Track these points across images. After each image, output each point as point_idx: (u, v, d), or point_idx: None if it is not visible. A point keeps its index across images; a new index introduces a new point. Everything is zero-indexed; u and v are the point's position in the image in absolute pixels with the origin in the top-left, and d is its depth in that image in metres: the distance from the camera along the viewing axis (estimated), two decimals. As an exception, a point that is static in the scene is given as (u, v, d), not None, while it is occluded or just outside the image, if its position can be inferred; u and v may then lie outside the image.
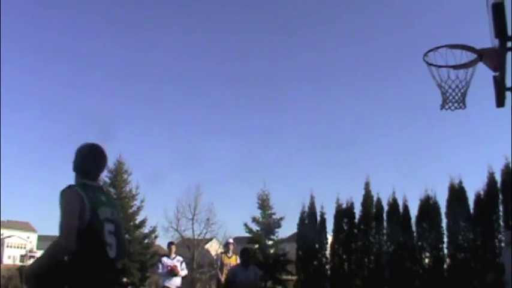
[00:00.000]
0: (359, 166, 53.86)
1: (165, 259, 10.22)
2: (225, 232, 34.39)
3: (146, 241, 24.79)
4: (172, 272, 9.96)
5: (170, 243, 10.90)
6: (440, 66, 4.52)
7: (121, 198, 24.07)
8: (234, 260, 10.05)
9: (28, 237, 75.15)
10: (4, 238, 69.35)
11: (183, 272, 10.33)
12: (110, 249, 3.06)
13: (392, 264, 18.67)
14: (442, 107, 4.53)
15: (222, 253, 10.78)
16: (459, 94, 4.51)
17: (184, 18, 73.07)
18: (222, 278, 9.79)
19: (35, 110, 71.06)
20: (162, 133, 64.65)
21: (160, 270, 10.12)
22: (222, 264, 10.12)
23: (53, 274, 2.82)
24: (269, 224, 24.02)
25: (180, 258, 10.43)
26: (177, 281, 10.08)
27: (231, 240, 10.98)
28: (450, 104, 4.53)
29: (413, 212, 19.31)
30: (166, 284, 9.98)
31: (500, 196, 17.65)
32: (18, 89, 71.72)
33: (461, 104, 4.51)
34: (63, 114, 66.93)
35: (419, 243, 18.83)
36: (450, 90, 4.50)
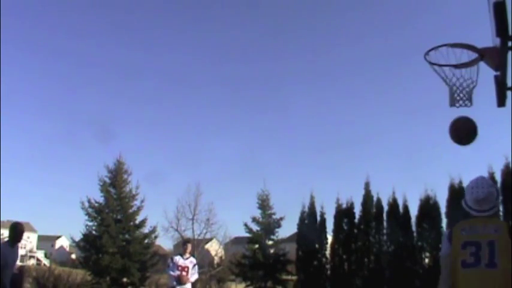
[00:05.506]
0: (359, 166, 53.90)
1: (177, 258, 9.28)
2: (225, 232, 34.51)
3: (146, 241, 24.72)
4: (180, 281, 9.07)
5: (186, 241, 10.04)
6: (441, 65, 4.52)
7: (121, 198, 24.04)
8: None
9: (28, 237, 74.90)
10: (4, 238, 69.06)
11: (193, 277, 9.36)
12: None
13: (392, 264, 18.64)
14: (451, 104, 4.53)
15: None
16: (464, 92, 4.52)
17: (185, 19, 73.16)
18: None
19: (35, 109, 71.22)
20: (162, 133, 64.83)
21: (170, 271, 9.20)
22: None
23: None
24: (269, 224, 24.00)
25: (194, 260, 9.44)
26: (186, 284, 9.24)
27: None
28: (456, 101, 4.53)
29: (413, 212, 19.34)
30: (177, 286, 9.15)
31: (500, 196, 17.64)
32: (18, 89, 71.79)
33: (467, 102, 4.51)
34: (63, 114, 67.06)
35: (419, 243, 18.83)
36: (455, 88, 4.50)
